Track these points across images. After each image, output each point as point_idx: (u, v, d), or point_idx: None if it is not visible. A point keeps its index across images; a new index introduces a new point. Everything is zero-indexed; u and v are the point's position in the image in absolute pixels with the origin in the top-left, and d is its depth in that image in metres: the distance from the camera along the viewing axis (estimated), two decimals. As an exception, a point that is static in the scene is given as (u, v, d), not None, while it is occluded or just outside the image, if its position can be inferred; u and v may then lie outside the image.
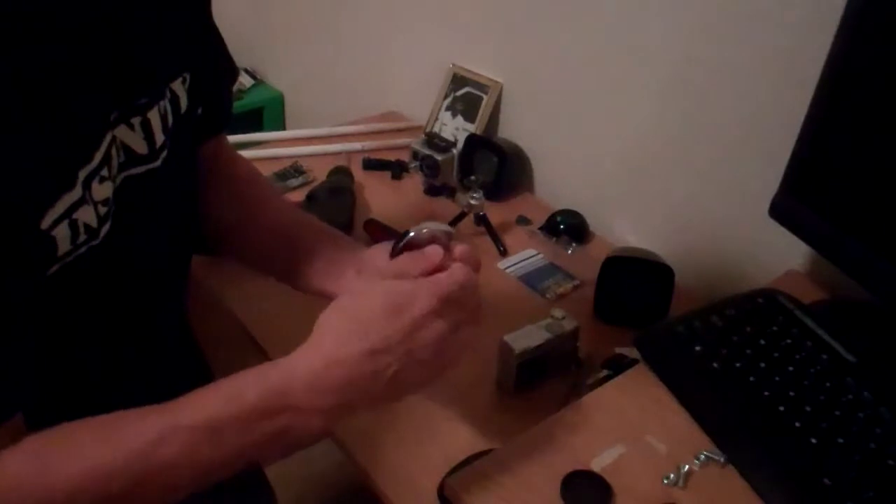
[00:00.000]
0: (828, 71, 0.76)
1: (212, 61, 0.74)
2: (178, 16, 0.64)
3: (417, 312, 0.55)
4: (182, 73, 0.64)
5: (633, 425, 0.71)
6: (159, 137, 0.61)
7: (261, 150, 1.37)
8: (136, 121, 0.59)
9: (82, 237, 0.54)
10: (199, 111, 0.69)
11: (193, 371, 0.89)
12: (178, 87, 0.64)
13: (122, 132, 0.58)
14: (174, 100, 0.63)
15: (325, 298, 0.64)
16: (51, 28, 0.50)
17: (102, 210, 0.56)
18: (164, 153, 0.62)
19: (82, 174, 0.52)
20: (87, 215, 0.53)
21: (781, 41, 0.90)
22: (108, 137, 0.56)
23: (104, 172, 0.55)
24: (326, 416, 0.54)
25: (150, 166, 0.61)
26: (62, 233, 0.52)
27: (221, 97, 0.79)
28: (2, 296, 0.49)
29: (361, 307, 0.56)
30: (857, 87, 0.74)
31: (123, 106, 0.58)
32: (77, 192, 0.52)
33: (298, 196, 1.22)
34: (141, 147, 0.60)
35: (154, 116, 0.60)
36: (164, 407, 0.53)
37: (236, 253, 0.81)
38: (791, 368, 0.73)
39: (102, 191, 0.55)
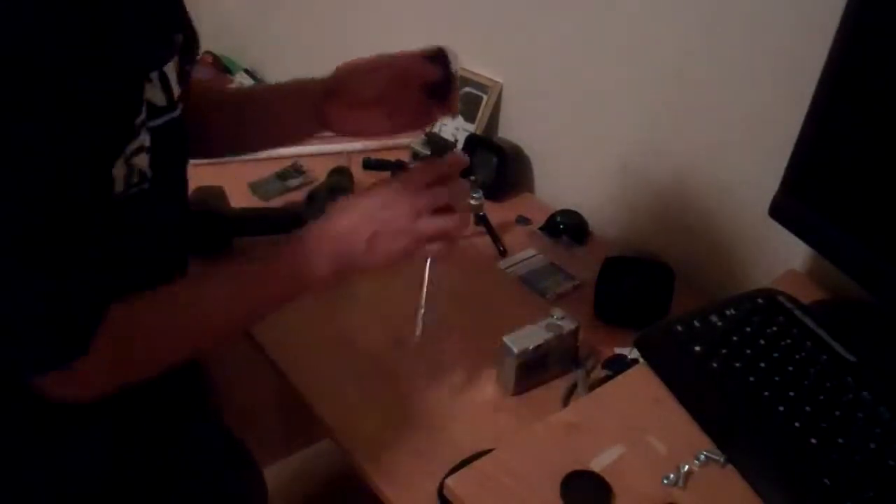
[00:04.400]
0: (828, 71, 0.76)
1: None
2: None
3: (382, 197, 0.73)
4: (182, 28, 0.70)
5: (633, 425, 0.71)
6: (176, 89, 0.66)
7: (261, 150, 1.37)
8: (154, 75, 0.63)
9: (135, 180, 0.61)
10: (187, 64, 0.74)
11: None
12: (179, 39, 0.69)
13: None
14: (178, 53, 0.68)
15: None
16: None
17: (146, 158, 0.62)
18: (182, 103, 0.68)
19: (138, 121, 0.59)
20: (142, 161, 0.61)
21: (781, 41, 0.90)
22: (146, 85, 0.62)
23: (145, 121, 0.61)
24: (330, 260, 0.72)
25: (171, 116, 0.66)
26: (120, 172, 0.59)
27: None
28: (85, 214, 0.57)
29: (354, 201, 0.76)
30: (856, 87, 0.74)
31: (151, 60, 0.63)
32: (139, 140, 0.59)
33: (298, 196, 1.22)
34: (160, 99, 0.64)
35: (170, 70, 0.65)
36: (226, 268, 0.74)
37: (218, 147, 0.95)
38: (791, 368, 0.73)
39: (145, 140, 0.61)
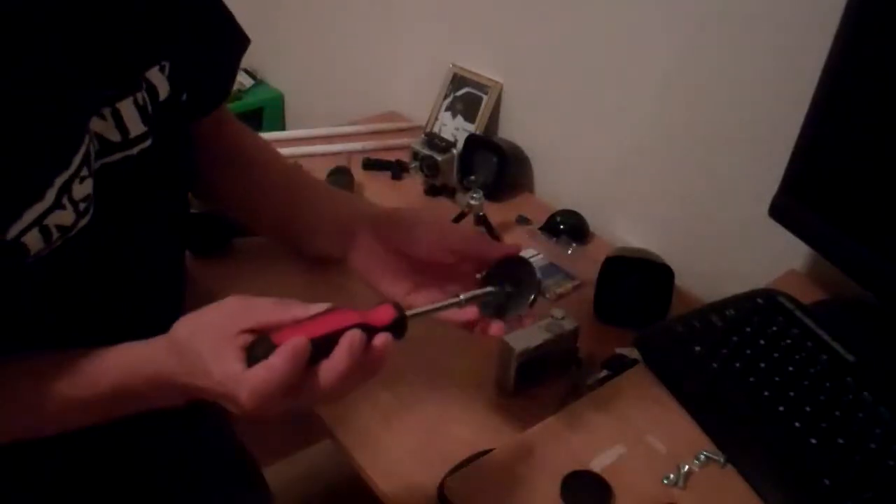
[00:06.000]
0: (828, 71, 0.76)
1: (204, 39, 0.73)
2: (152, 5, 0.63)
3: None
4: (159, 61, 0.63)
5: (633, 425, 0.71)
6: (136, 127, 0.61)
7: (261, 150, 1.36)
8: (106, 111, 0.59)
9: (56, 236, 0.55)
10: (185, 97, 0.68)
11: None
12: (156, 75, 0.63)
13: (94, 124, 0.58)
14: (151, 89, 0.63)
15: (334, 261, 0.73)
16: (16, 36, 0.50)
17: (82, 206, 0.57)
18: (148, 142, 0.63)
19: (59, 180, 0.53)
20: (60, 218, 0.55)
21: (781, 41, 0.90)
22: (87, 138, 0.56)
23: (84, 172, 0.56)
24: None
25: (125, 154, 0.62)
26: (33, 239, 0.53)
27: (219, 72, 0.78)
28: None
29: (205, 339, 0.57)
30: (856, 87, 0.74)
31: (95, 102, 0.58)
32: (47, 201, 0.53)
33: (298, 196, 1.22)
34: (113, 135, 0.60)
35: (126, 106, 0.60)
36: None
37: (249, 225, 0.89)
38: (791, 368, 0.73)
39: (83, 189, 0.56)
